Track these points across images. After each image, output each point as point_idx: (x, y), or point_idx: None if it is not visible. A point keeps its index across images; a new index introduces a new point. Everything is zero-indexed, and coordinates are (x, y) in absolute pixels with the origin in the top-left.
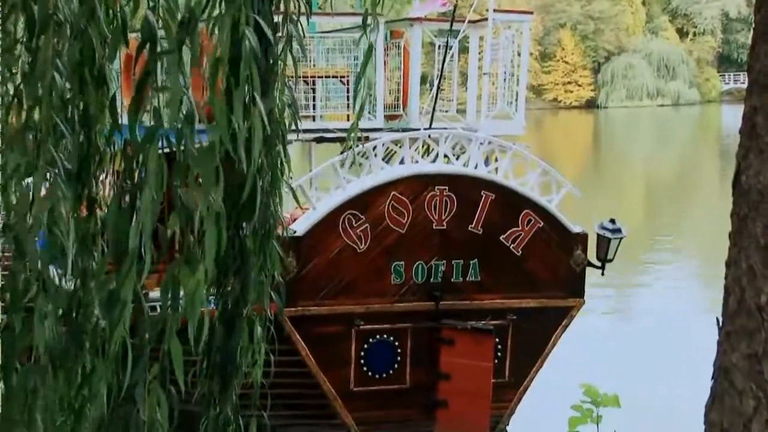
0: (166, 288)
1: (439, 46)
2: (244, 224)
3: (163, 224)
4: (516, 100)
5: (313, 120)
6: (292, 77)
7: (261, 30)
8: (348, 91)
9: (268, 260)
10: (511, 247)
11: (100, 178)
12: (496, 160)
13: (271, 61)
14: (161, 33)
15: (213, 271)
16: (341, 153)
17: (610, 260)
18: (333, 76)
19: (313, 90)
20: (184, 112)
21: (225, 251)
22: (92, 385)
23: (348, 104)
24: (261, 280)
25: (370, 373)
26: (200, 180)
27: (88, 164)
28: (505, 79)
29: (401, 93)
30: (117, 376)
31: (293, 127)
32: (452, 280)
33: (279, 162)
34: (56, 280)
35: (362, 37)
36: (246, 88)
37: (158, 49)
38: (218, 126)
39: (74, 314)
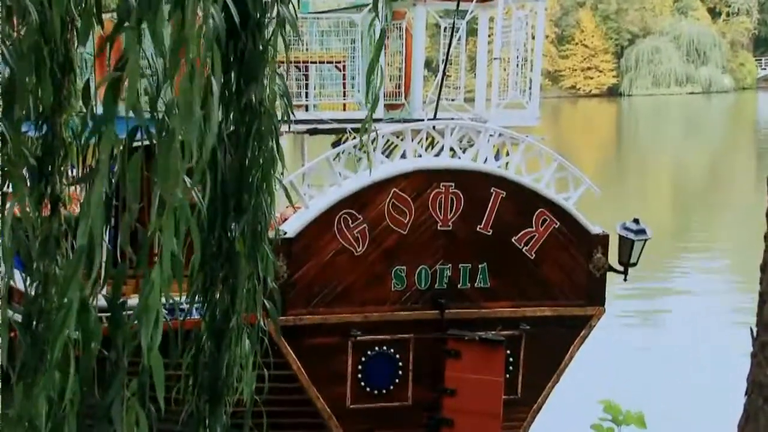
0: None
1: (445, 28)
2: (232, 225)
3: (144, 225)
4: (529, 87)
5: (306, 110)
6: (284, 63)
7: (247, 11)
8: (344, 78)
9: (259, 265)
10: (523, 250)
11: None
12: (508, 153)
13: (261, 47)
14: None
15: (199, 278)
16: (332, 145)
17: (634, 264)
18: (328, 62)
19: (306, 77)
20: (166, 100)
21: (210, 255)
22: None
23: (344, 92)
24: (252, 287)
25: (368, 389)
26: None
27: (52, 158)
28: (517, 65)
29: (403, 80)
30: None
31: (286, 117)
32: (459, 286)
33: (272, 157)
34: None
35: (373, 21)
36: (206, 73)
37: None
38: (180, 114)
39: (34, 322)
